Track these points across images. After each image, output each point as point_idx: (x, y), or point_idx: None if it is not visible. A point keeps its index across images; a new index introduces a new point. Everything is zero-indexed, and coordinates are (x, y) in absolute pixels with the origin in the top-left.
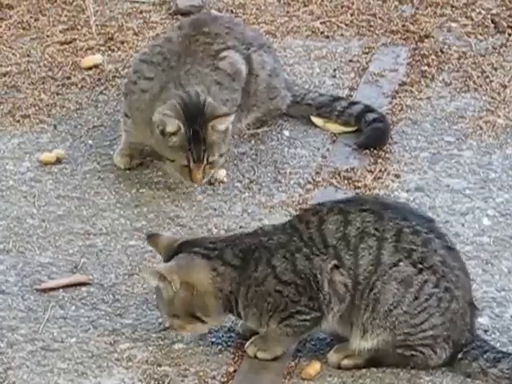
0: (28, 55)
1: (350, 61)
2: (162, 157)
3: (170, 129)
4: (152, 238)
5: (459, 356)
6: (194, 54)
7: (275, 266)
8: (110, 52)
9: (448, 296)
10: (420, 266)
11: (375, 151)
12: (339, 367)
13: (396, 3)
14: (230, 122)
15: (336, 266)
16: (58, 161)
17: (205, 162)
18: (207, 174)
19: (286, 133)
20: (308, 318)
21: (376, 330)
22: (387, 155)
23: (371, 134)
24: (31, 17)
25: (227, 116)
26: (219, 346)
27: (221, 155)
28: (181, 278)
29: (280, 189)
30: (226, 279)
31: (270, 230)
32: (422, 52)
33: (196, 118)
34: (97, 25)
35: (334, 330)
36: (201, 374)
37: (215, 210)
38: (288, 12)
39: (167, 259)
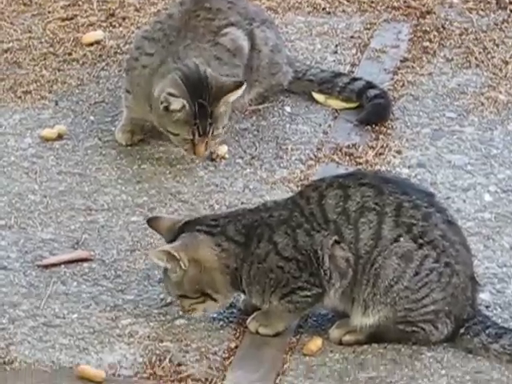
0: (29, 31)
1: (352, 37)
2: (162, 131)
3: (174, 106)
4: (153, 220)
5: (461, 331)
6: (194, 30)
7: (277, 243)
8: (111, 28)
9: (449, 271)
10: (420, 240)
11: (377, 127)
12: (341, 343)
13: None
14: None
15: (336, 242)
16: (60, 137)
17: (209, 135)
18: (210, 146)
19: (288, 109)
20: (309, 294)
21: (377, 306)
22: (389, 131)
23: (372, 110)
24: None
25: (240, 87)
26: (221, 322)
27: (223, 127)
28: (188, 255)
29: (281, 165)
30: (230, 255)
31: (271, 206)
32: (423, 28)
33: (200, 91)
34: (98, 1)
35: (335, 306)
36: (202, 349)
37: (217, 186)
38: None
39: (170, 240)
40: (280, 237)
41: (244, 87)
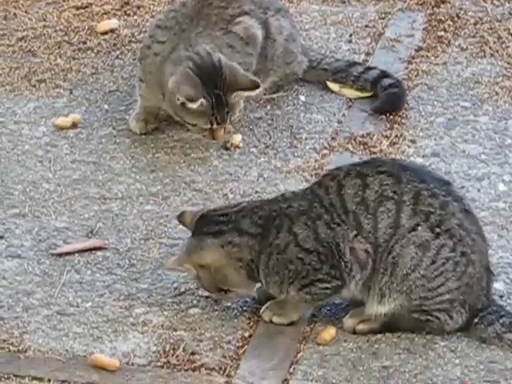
0: (44, 20)
1: (366, 26)
2: (179, 120)
3: (192, 106)
4: (180, 216)
5: (475, 321)
6: (206, 18)
7: (297, 234)
8: (125, 17)
9: (464, 260)
10: (437, 229)
11: (391, 116)
12: (354, 332)
13: None
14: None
15: (356, 235)
16: (74, 125)
17: (227, 122)
18: (227, 129)
19: (302, 98)
20: (329, 286)
21: (393, 295)
22: (403, 120)
23: (387, 99)
24: None
25: (257, 88)
26: (234, 311)
27: (239, 111)
28: (193, 263)
29: (296, 154)
30: (243, 248)
31: (290, 197)
32: (438, 17)
33: (215, 81)
34: None
35: (354, 296)
36: (216, 338)
37: (231, 174)
38: None
39: (193, 234)
40: (300, 228)
41: (260, 89)
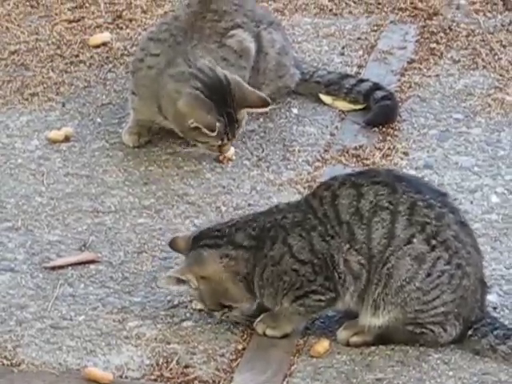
0: (36, 33)
1: (359, 38)
2: (188, 139)
3: (209, 133)
4: (171, 243)
5: (469, 333)
6: (200, 31)
7: (291, 245)
8: (118, 30)
9: (460, 273)
10: (433, 241)
11: (384, 129)
12: (348, 344)
13: None
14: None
15: (350, 246)
16: (67, 139)
17: (236, 136)
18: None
19: (295, 110)
20: (323, 298)
21: (388, 307)
22: (396, 133)
23: (379, 111)
24: None
25: (266, 106)
26: (228, 324)
27: (245, 124)
28: (195, 274)
29: (288, 166)
30: (239, 261)
31: (284, 208)
32: (430, 29)
33: (225, 100)
34: (105, 3)
35: (348, 308)
36: (209, 351)
37: (224, 187)
38: None
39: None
40: (294, 239)
41: (269, 107)
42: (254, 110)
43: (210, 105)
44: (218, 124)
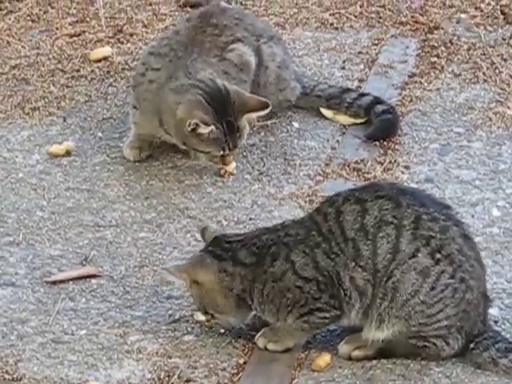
0: (37, 48)
1: (360, 52)
2: (187, 150)
3: (203, 131)
4: (202, 232)
5: (471, 346)
6: (201, 45)
7: (294, 262)
8: (119, 44)
9: (463, 286)
10: (438, 255)
11: (385, 143)
12: (349, 358)
13: None
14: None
15: (356, 264)
16: (68, 153)
17: (238, 146)
18: (235, 154)
19: (296, 124)
20: (328, 315)
21: (392, 320)
22: (397, 146)
23: (380, 125)
24: (40, 9)
25: (266, 108)
26: (229, 338)
27: (247, 135)
28: (190, 276)
29: (290, 180)
30: (235, 278)
31: (288, 225)
32: (431, 43)
33: (226, 109)
34: (106, 17)
35: (353, 324)
36: (211, 365)
37: (225, 201)
38: (297, 4)
39: None
40: (297, 256)
41: (270, 109)
42: (256, 114)
43: (208, 108)
44: (214, 128)
